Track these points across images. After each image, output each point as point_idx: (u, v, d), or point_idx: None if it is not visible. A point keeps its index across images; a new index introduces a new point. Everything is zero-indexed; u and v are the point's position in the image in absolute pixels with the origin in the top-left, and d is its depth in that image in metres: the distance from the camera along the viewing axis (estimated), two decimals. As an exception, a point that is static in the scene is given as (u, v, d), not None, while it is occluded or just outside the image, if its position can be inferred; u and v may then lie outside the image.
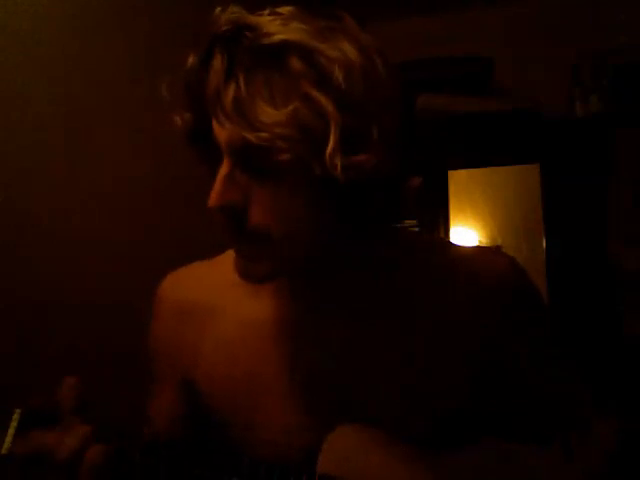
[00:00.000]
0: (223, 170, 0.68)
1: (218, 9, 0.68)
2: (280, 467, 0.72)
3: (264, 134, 0.62)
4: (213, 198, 0.67)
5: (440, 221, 2.26)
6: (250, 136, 0.63)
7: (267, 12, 0.68)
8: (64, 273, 1.30)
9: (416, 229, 2.20)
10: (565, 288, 2.09)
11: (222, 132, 0.67)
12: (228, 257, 0.84)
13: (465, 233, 2.25)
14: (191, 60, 0.69)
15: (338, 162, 0.63)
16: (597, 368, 0.91)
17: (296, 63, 0.63)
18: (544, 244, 2.16)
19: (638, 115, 2.13)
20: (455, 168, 2.26)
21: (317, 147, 0.63)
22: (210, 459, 0.72)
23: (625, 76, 2.23)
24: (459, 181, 2.26)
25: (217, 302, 0.84)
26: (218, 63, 0.64)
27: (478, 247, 0.91)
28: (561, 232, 2.14)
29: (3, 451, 0.69)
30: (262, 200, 0.68)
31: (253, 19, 0.66)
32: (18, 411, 0.70)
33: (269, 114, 0.62)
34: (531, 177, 2.19)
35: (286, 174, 0.66)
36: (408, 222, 2.20)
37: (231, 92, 0.63)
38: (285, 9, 0.68)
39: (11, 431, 0.69)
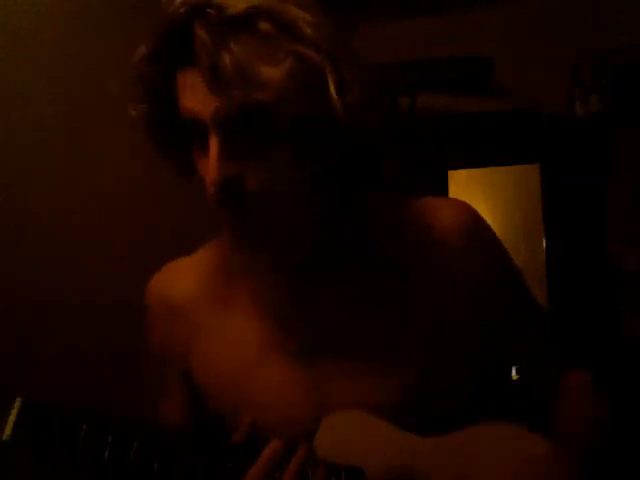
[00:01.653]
0: (214, 145, 0.68)
1: None
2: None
3: (270, 91, 0.65)
4: (213, 173, 0.68)
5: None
6: (257, 95, 0.65)
7: None
8: (64, 273, 1.30)
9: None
10: (565, 288, 2.09)
11: (211, 104, 0.67)
12: (209, 249, 0.89)
13: (465, 233, 2.25)
14: (143, 50, 0.71)
15: (339, 103, 0.67)
16: (597, 368, 0.91)
17: (266, 25, 0.66)
18: (544, 244, 2.16)
19: (638, 115, 2.13)
20: (455, 168, 2.26)
21: (315, 97, 0.67)
22: (205, 446, 0.73)
23: (625, 76, 2.23)
24: (459, 181, 2.26)
25: (202, 292, 0.86)
26: (203, 36, 0.65)
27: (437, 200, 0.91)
28: (561, 232, 2.14)
29: (4, 437, 0.71)
30: (257, 167, 0.69)
31: None
32: (19, 399, 0.72)
33: (269, 72, 0.64)
34: (531, 177, 2.19)
35: (277, 137, 0.68)
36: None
37: (228, 58, 0.64)
38: None
39: (12, 418, 0.71)
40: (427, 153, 2.09)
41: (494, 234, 0.88)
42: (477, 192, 2.24)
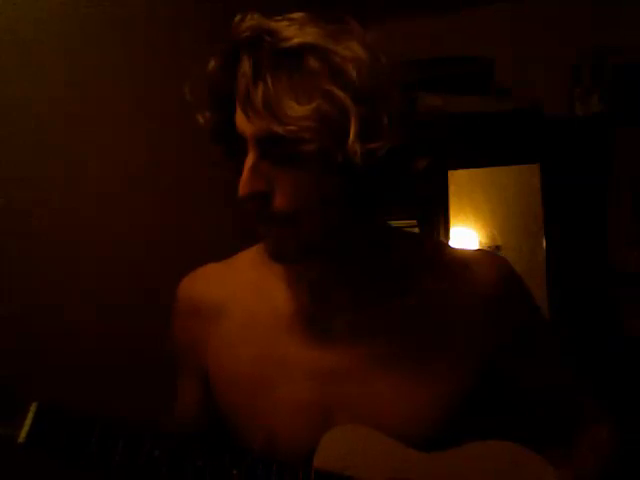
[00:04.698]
0: (249, 161, 0.73)
1: (238, 17, 0.74)
2: (277, 463, 0.74)
3: (291, 127, 0.69)
4: (243, 187, 0.73)
5: (440, 221, 2.26)
6: (279, 129, 0.69)
7: (281, 18, 0.74)
8: (64, 273, 1.30)
9: (416, 229, 2.20)
10: (565, 288, 2.09)
11: (249, 126, 0.73)
12: (241, 259, 0.91)
13: (465, 233, 2.25)
14: (213, 64, 0.76)
15: (358, 149, 0.70)
16: (597, 369, 0.91)
17: (313, 62, 0.70)
18: (544, 244, 2.17)
19: (638, 115, 2.13)
20: (455, 168, 2.26)
21: (337, 137, 0.70)
22: (212, 452, 0.74)
23: (625, 76, 2.23)
24: (459, 181, 2.26)
25: (227, 301, 0.88)
26: (246, 66, 0.70)
27: (476, 251, 0.93)
28: (561, 232, 2.14)
29: (20, 439, 0.74)
30: (284, 185, 0.73)
31: (272, 25, 0.72)
32: (35, 404, 0.75)
33: (295, 109, 0.69)
34: (531, 177, 2.19)
35: (306, 161, 0.71)
36: (408, 222, 2.20)
37: (260, 92, 0.69)
38: (298, 15, 0.74)
39: (28, 422, 0.75)
40: (427, 153, 2.08)
41: (526, 291, 0.89)
42: (477, 192, 2.24)
